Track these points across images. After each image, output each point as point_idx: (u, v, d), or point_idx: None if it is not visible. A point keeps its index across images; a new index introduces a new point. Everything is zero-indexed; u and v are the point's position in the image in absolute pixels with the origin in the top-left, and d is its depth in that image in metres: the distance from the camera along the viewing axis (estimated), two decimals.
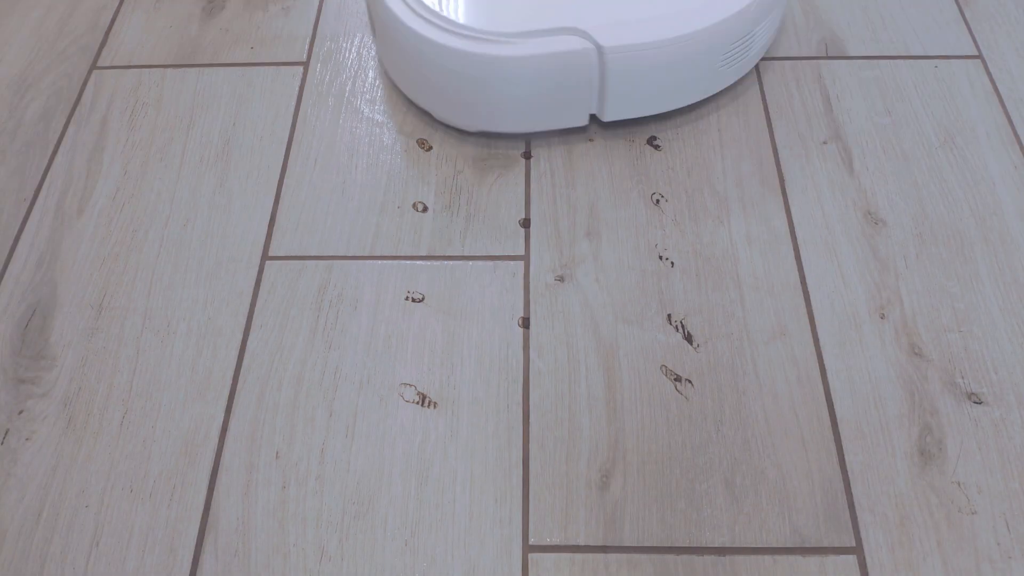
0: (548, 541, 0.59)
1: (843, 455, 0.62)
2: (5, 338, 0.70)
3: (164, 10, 0.94)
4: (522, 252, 0.73)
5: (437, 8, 0.74)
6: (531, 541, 0.59)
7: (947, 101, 0.83)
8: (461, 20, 0.73)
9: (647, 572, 0.57)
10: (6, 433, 0.65)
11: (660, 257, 0.72)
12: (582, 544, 0.59)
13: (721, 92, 0.83)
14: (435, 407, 0.65)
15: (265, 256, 0.74)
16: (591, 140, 0.80)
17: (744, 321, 0.68)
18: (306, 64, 0.88)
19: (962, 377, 0.65)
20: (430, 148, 0.81)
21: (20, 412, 0.66)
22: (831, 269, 0.71)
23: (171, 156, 0.81)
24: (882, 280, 0.70)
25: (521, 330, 0.69)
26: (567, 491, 0.61)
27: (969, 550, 0.58)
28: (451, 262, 0.73)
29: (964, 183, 0.77)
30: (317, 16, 0.93)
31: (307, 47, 0.90)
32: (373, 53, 0.89)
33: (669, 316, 0.69)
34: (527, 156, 0.80)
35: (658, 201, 0.76)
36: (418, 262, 0.73)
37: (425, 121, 0.83)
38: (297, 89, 0.86)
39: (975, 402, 0.64)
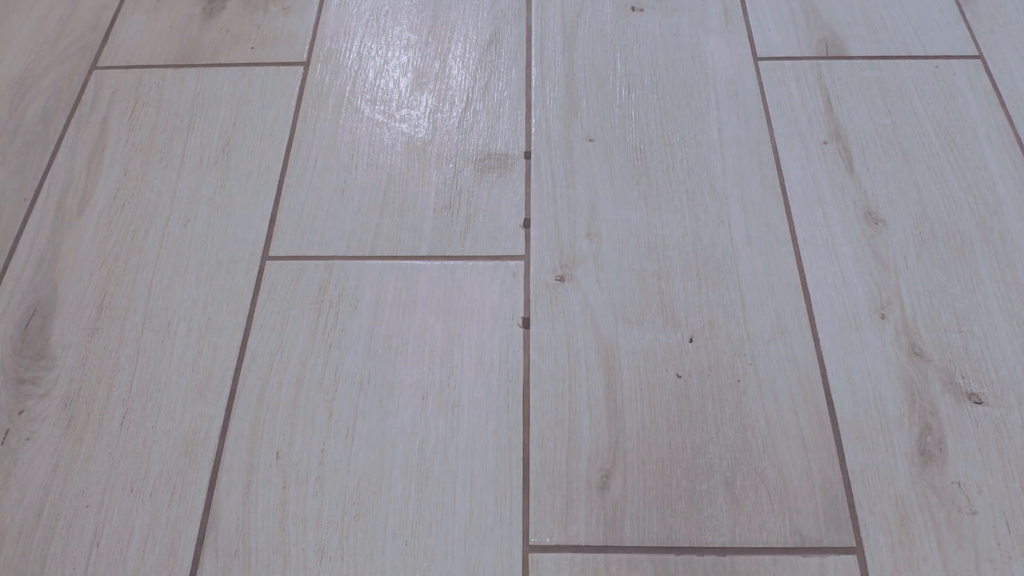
0: (548, 541, 0.59)
1: (843, 455, 0.62)
2: (5, 338, 0.70)
3: (164, 10, 0.94)
4: (522, 252, 0.73)
5: None
6: (531, 541, 0.59)
7: (947, 101, 0.83)
8: None
9: (647, 572, 0.57)
10: (6, 433, 0.65)
11: (660, 257, 0.72)
12: (582, 544, 0.59)
13: (721, 92, 0.83)
14: (435, 407, 0.65)
15: (265, 256, 0.74)
16: (591, 140, 0.80)
17: (744, 321, 0.68)
18: (306, 64, 0.88)
19: (962, 377, 0.65)
20: (430, 148, 0.81)
21: (20, 412, 0.66)
22: (831, 269, 0.71)
23: (171, 156, 0.81)
24: (882, 280, 0.70)
25: (521, 330, 0.69)
26: (567, 491, 0.61)
27: (969, 550, 0.58)
28: (451, 262, 0.73)
29: (964, 183, 0.77)
30: (317, 16, 0.93)
31: (307, 47, 0.90)
32: (373, 53, 0.89)
33: (669, 316, 0.69)
34: (527, 156, 0.80)
35: (659, 201, 0.76)
36: (418, 262, 0.73)
37: (424, 120, 0.83)
38: (297, 89, 0.86)
39: (975, 402, 0.64)
